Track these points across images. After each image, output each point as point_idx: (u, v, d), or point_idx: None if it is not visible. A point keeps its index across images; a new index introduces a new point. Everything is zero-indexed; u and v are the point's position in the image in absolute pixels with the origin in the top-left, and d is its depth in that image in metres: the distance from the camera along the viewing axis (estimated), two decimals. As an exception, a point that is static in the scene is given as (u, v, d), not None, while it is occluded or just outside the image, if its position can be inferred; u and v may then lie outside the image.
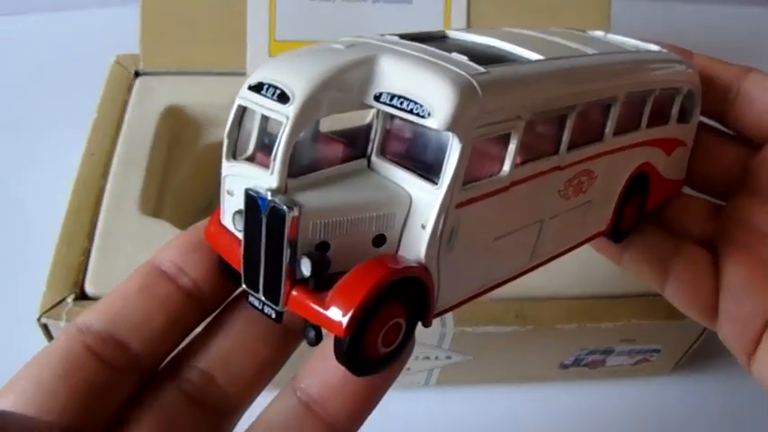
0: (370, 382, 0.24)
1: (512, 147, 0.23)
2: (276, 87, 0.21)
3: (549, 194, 0.26)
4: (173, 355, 0.26)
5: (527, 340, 0.42)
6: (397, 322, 0.21)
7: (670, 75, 0.31)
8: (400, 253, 0.22)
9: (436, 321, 0.40)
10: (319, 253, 0.20)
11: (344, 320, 0.20)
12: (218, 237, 0.24)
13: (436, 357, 0.44)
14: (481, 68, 0.22)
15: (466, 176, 0.22)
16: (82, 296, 0.39)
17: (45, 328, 0.38)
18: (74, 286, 0.39)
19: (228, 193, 0.23)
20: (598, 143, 0.28)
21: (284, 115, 0.20)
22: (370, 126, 0.24)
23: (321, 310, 0.20)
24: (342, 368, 0.22)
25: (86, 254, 0.41)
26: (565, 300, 0.42)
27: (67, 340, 0.23)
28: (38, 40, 0.73)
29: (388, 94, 0.21)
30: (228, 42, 0.52)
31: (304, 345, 0.23)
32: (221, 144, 0.23)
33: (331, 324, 0.20)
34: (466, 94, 0.21)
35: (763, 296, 0.30)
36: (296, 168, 0.21)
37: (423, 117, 0.20)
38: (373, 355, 0.21)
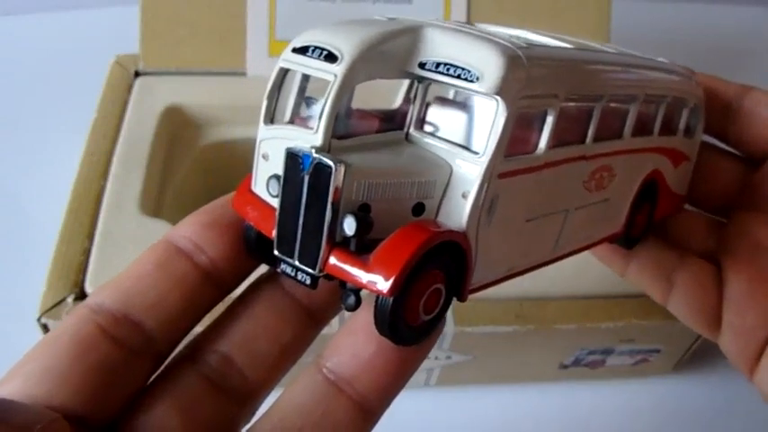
0: (402, 356, 0.23)
1: (548, 125, 0.23)
2: (323, 49, 0.21)
3: (574, 184, 0.26)
4: (193, 338, 0.25)
5: (527, 340, 0.42)
6: (437, 288, 0.21)
7: (680, 85, 0.32)
8: (454, 223, 0.22)
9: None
10: (363, 214, 0.20)
11: (390, 280, 0.19)
12: (248, 204, 0.23)
13: (436, 357, 0.44)
14: (523, 43, 0.22)
15: (507, 149, 0.22)
16: (82, 296, 0.39)
17: (45, 328, 0.38)
18: (74, 286, 0.39)
19: (264, 157, 0.23)
20: (618, 140, 0.28)
21: (332, 74, 0.20)
22: (400, 108, 0.25)
23: (364, 271, 0.20)
24: (372, 343, 0.21)
25: (86, 254, 0.41)
26: (565, 300, 0.42)
27: (78, 321, 0.22)
28: (38, 40, 0.73)
29: (434, 61, 0.21)
30: (228, 42, 0.52)
31: (326, 330, 0.23)
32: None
33: (375, 285, 0.20)
34: (514, 61, 0.21)
35: (765, 308, 0.31)
36: (336, 132, 0.21)
37: (471, 81, 0.21)
38: (413, 322, 0.21)
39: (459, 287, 0.22)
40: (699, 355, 0.47)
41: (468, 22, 0.53)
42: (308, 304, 0.25)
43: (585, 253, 0.34)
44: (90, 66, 0.54)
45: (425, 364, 0.44)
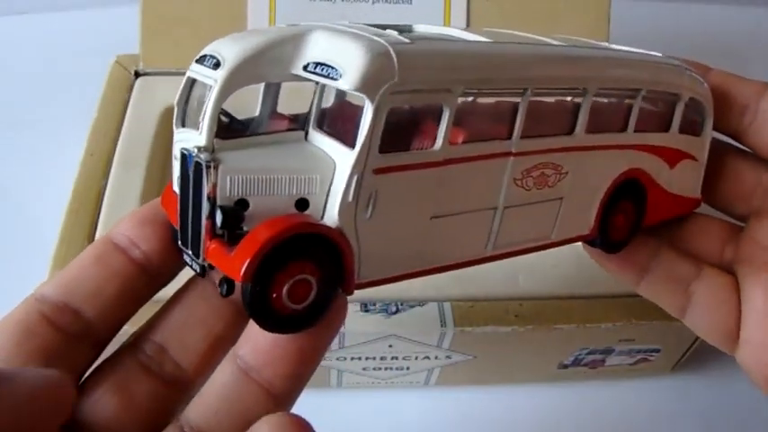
0: (299, 345, 0.24)
1: (444, 121, 0.24)
2: (214, 57, 0.23)
3: (499, 181, 0.26)
4: (137, 329, 0.26)
5: (527, 340, 0.42)
6: (304, 279, 0.22)
7: (662, 78, 0.31)
8: (325, 218, 0.23)
9: (435, 320, 0.40)
10: (233, 207, 0.22)
11: (243, 267, 0.21)
12: (168, 202, 0.25)
13: (436, 357, 0.44)
14: (405, 40, 0.23)
15: (390, 145, 0.22)
16: (82, 296, 0.39)
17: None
18: (74, 286, 0.39)
19: (175, 158, 0.24)
20: (566, 136, 0.28)
21: (213, 79, 0.22)
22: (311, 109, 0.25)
23: (227, 259, 0.21)
24: (268, 333, 0.23)
25: (86, 254, 0.41)
26: (565, 300, 0.42)
27: (24, 309, 0.24)
28: (38, 40, 0.73)
29: (311, 62, 0.23)
30: (228, 42, 0.52)
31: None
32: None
33: (232, 270, 0.21)
34: (377, 57, 0.22)
35: None
36: (230, 133, 0.23)
37: (335, 79, 0.22)
38: (281, 309, 0.22)
39: (340, 279, 0.23)
40: (698, 355, 0.47)
41: (468, 25, 0.53)
42: (237, 298, 0.26)
43: (586, 253, 0.34)
44: (90, 66, 0.54)
45: (426, 364, 0.44)
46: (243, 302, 0.22)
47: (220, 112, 0.23)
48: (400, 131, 0.23)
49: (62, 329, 0.24)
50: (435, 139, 0.24)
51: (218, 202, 0.21)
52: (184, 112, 0.24)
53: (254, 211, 0.22)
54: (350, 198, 0.22)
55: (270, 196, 0.22)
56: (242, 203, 0.22)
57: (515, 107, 0.26)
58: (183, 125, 0.24)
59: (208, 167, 0.21)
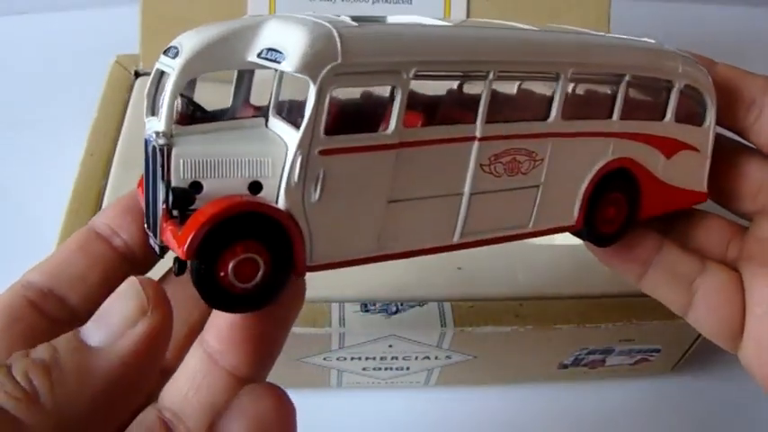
0: (258, 330, 0.25)
1: (396, 103, 0.24)
2: (176, 47, 0.23)
3: (464, 166, 0.26)
4: None
5: (527, 340, 0.42)
6: (251, 258, 0.22)
7: (650, 64, 0.30)
8: (280, 200, 0.23)
9: (435, 320, 0.40)
10: (183, 188, 0.22)
11: (184, 245, 0.21)
12: (141, 189, 0.26)
13: (436, 357, 0.44)
14: (353, 23, 0.23)
15: (338, 127, 0.23)
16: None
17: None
18: (74, 286, 0.39)
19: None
20: (540, 122, 0.27)
21: (172, 68, 0.23)
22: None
23: (175, 238, 0.22)
24: (228, 317, 0.23)
25: (86, 254, 0.41)
26: (565, 300, 0.42)
27: (10, 295, 0.24)
28: (38, 40, 0.73)
29: (265, 49, 0.23)
30: (228, 42, 0.52)
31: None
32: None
33: (177, 248, 0.21)
34: (318, 38, 0.22)
35: None
36: (192, 120, 0.24)
37: (279, 63, 0.22)
38: (229, 287, 0.22)
39: (290, 261, 0.23)
40: (698, 354, 0.47)
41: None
42: None
43: (586, 253, 0.34)
44: (90, 66, 0.54)
45: (426, 364, 0.44)
46: (191, 279, 0.22)
47: (186, 101, 0.24)
48: (351, 113, 0.23)
49: (47, 315, 0.24)
50: (388, 121, 0.24)
51: (172, 184, 0.22)
52: (154, 102, 0.25)
53: (208, 193, 0.22)
54: (295, 179, 0.22)
55: (223, 179, 0.22)
56: (195, 186, 0.22)
57: (478, 91, 0.25)
58: (153, 114, 0.25)
59: (161, 151, 0.22)
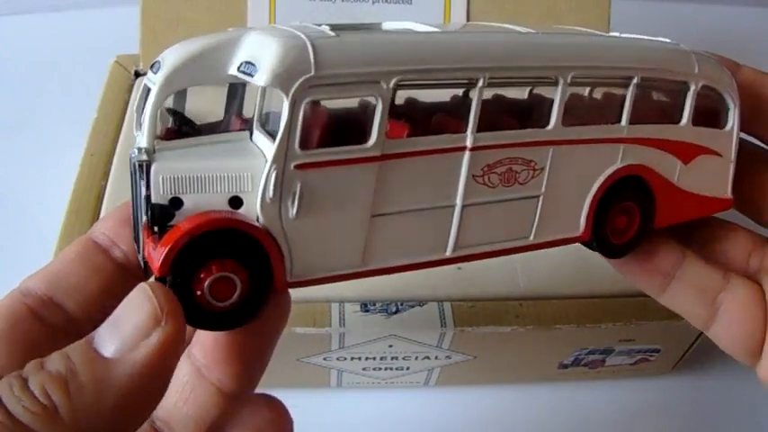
0: (242, 347, 0.25)
1: (377, 114, 0.23)
2: (159, 62, 0.23)
3: (455, 177, 0.25)
4: None
5: (527, 340, 0.42)
6: (226, 276, 0.22)
7: (661, 64, 0.29)
8: (261, 216, 0.23)
9: (435, 320, 0.40)
10: (162, 204, 0.22)
11: (159, 260, 0.21)
12: None
13: (436, 357, 0.44)
14: (331, 33, 0.23)
15: (324, 139, 0.23)
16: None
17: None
18: (74, 286, 0.39)
19: None
20: (538, 130, 0.27)
21: (153, 83, 0.23)
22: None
23: (152, 252, 0.22)
24: (210, 334, 0.23)
25: (86, 254, 0.41)
26: (565, 300, 0.42)
27: (9, 302, 0.24)
28: (38, 40, 0.73)
29: (243, 62, 0.23)
30: (228, 42, 0.52)
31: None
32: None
33: (152, 263, 0.22)
34: (289, 51, 0.22)
35: None
36: (177, 135, 0.24)
37: (252, 76, 0.22)
38: (206, 306, 0.22)
39: (269, 278, 0.23)
40: (698, 355, 0.47)
41: (467, 22, 0.53)
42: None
43: (585, 253, 0.34)
44: (90, 66, 0.54)
45: (426, 364, 0.44)
46: None
47: (172, 114, 0.24)
48: (338, 125, 0.23)
49: (46, 322, 0.24)
50: (369, 133, 0.23)
51: (152, 200, 0.22)
52: (140, 117, 0.25)
53: (188, 208, 0.22)
54: (270, 194, 0.22)
55: (203, 194, 0.22)
56: (175, 202, 0.22)
57: (468, 99, 0.25)
58: (140, 129, 0.25)
59: (140, 167, 0.22)
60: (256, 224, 0.22)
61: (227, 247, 0.22)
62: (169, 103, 0.24)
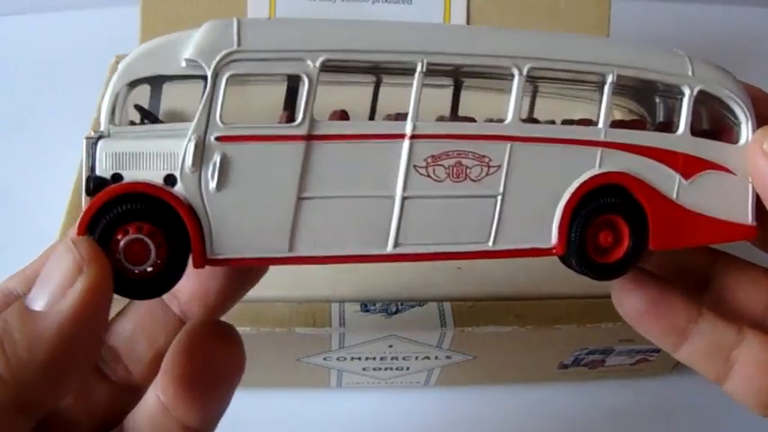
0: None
1: (303, 93, 0.24)
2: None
3: (393, 166, 0.24)
4: None
5: (527, 340, 0.42)
6: (139, 239, 0.23)
7: (639, 63, 0.27)
8: (181, 185, 0.24)
9: (435, 320, 0.40)
10: (96, 176, 0.24)
11: (78, 220, 0.22)
12: None
13: (436, 357, 0.44)
14: (267, 18, 0.24)
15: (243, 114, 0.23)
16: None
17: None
18: (74, 286, 0.39)
19: None
20: (491, 123, 0.26)
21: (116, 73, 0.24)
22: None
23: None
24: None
25: (86, 254, 0.41)
26: (565, 300, 0.42)
27: None
28: (38, 40, 0.73)
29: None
30: (228, 42, 0.52)
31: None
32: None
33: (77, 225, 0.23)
34: (214, 27, 0.23)
35: None
36: (137, 123, 0.26)
37: (184, 53, 0.23)
38: (122, 270, 0.23)
39: (188, 249, 0.23)
40: (698, 355, 0.47)
41: (468, 23, 0.53)
42: (180, 315, 0.28)
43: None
44: (90, 66, 0.54)
45: (426, 364, 0.44)
46: None
47: (138, 110, 0.26)
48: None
49: None
50: (295, 111, 0.24)
51: (95, 174, 0.24)
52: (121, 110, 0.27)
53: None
54: (189, 164, 0.23)
55: (140, 170, 0.23)
56: (117, 177, 0.24)
57: (409, 85, 0.24)
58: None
59: (87, 144, 0.24)
60: (171, 191, 0.23)
61: (146, 214, 0.23)
62: (144, 102, 0.26)
